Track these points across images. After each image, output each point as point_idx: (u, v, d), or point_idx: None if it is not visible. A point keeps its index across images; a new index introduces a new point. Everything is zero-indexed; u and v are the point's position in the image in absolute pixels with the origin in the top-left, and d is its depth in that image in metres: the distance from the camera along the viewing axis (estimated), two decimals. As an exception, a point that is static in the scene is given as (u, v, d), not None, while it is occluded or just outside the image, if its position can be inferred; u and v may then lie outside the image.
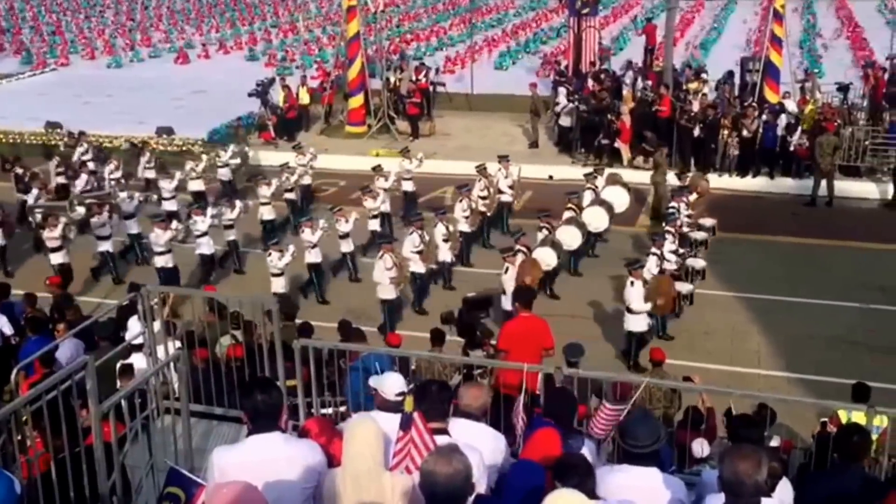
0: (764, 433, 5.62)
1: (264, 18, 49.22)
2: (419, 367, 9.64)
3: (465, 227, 16.93)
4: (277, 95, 25.85)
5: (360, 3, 25.68)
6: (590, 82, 24.68)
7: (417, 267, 15.31)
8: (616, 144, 22.36)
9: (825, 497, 4.67)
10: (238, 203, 17.46)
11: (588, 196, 17.28)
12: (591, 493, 4.20)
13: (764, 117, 21.39)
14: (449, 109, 27.26)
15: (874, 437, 7.83)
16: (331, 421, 5.90)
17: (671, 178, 19.05)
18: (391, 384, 5.62)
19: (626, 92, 24.34)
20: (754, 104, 22.03)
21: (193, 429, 6.95)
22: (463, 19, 42.99)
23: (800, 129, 21.04)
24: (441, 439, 4.49)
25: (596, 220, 16.63)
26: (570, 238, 15.86)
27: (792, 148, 21.04)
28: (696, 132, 21.66)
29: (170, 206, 18.87)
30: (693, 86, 23.99)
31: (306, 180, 20.15)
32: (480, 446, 5.00)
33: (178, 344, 8.36)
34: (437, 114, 26.67)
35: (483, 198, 17.70)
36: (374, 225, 17.58)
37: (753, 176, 21.40)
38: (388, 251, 14.47)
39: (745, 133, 21.28)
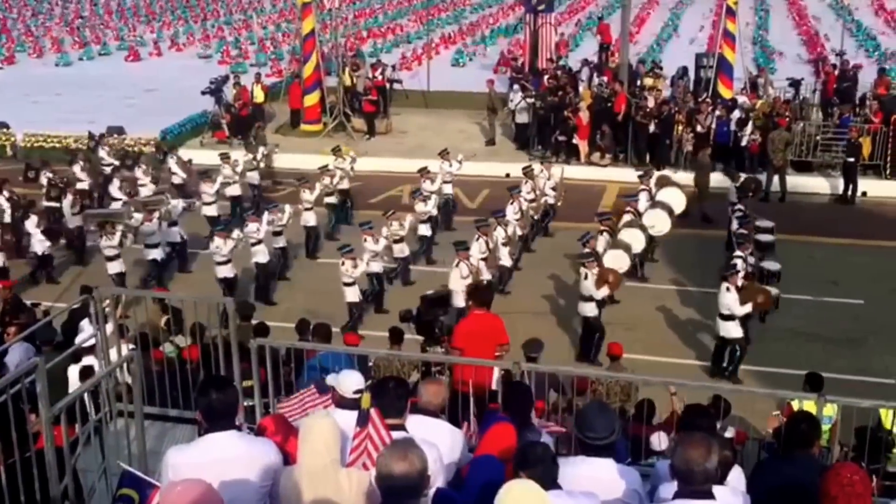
0: (715, 422, 5.67)
1: (218, 16, 48.71)
2: (378, 365, 9.60)
3: (517, 230, 16.53)
4: (231, 93, 25.61)
5: (315, 0, 25.52)
6: (546, 79, 24.79)
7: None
8: (574, 141, 22.49)
9: (776, 485, 4.74)
10: (288, 208, 16.70)
11: (644, 197, 16.90)
12: (554, 482, 4.24)
13: (717, 113, 21.66)
14: (405, 107, 27.20)
15: (827, 427, 8.00)
16: (287, 419, 5.85)
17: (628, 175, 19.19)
18: (349, 382, 5.64)
19: (582, 89, 24.50)
20: (708, 100, 22.30)
21: (148, 431, 6.86)
22: (419, 16, 42.97)
23: (751, 124, 21.34)
24: (398, 435, 4.47)
25: (658, 223, 16.21)
26: (634, 241, 15.47)
27: (745, 143, 21.33)
28: (652, 128, 21.87)
29: (210, 211, 18.16)
30: (648, 82, 24.21)
31: (345, 184, 19.23)
32: (438, 442, 5.01)
33: (131, 346, 8.24)
34: (394, 111, 26.59)
35: (530, 200, 17.33)
36: (425, 230, 17.08)
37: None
38: (465, 258, 13.92)
39: (699, 128, 21.52)
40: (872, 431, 7.63)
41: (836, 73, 25.22)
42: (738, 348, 12.92)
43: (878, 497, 5.86)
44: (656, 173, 18.52)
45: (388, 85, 26.93)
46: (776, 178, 20.50)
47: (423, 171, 18.28)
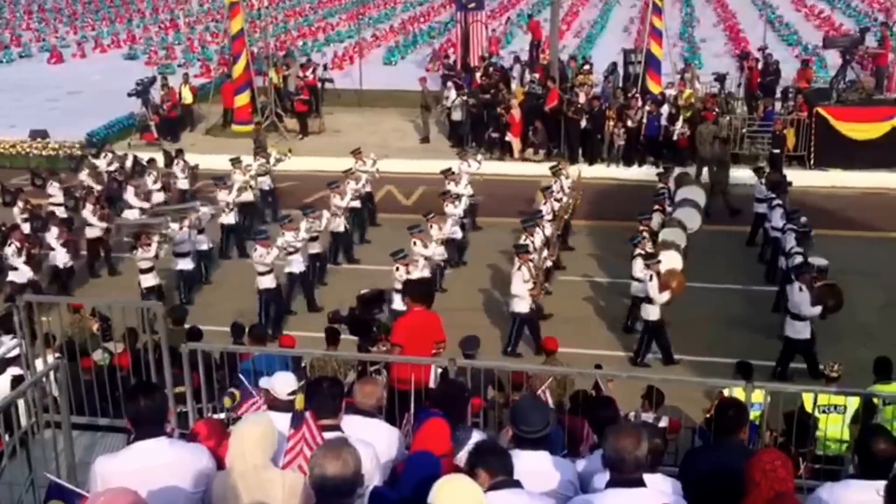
0: (617, 412, 5.79)
1: (143, 15, 47.77)
2: (313, 366, 9.52)
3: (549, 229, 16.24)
4: (158, 95, 25.15)
5: (243, -1, 25.25)
6: (478, 76, 24.91)
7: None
8: (507, 137, 22.63)
9: (706, 471, 4.84)
10: (325, 213, 16.16)
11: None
12: (510, 474, 4.29)
13: (647, 108, 22.02)
14: (338, 106, 27.06)
15: (757, 413, 8.18)
16: (221, 423, 5.77)
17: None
18: (282, 383, 5.61)
19: (514, 86, 24.66)
20: (637, 95, 22.65)
21: (77, 442, 6.71)
22: (350, 15, 42.76)
23: (681, 118, 21.73)
24: (333, 436, 4.44)
25: (690, 220, 16.12)
26: (679, 239, 15.27)
27: (674, 137, 21.72)
28: (583, 124, 22.13)
29: (228, 219, 17.34)
30: (579, 78, 24.48)
31: (368, 187, 18.61)
32: (374, 441, 5.01)
33: (56, 355, 8.02)
34: (327, 111, 26.42)
35: (558, 200, 17.13)
36: (457, 232, 16.72)
37: (639, 165, 21.97)
38: (526, 261, 13.45)
39: (629, 123, 21.86)
40: (799, 416, 7.82)
41: (760, 67, 25.83)
42: (802, 349, 12.51)
43: (806, 480, 6.04)
44: (676, 170, 18.65)
45: (319, 84, 26.76)
46: (705, 170, 20.89)
47: (447, 173, 17.89)
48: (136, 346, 8.91)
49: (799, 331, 12.43)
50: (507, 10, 46.12)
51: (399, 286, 13.42)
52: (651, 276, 12.88)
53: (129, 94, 24.48)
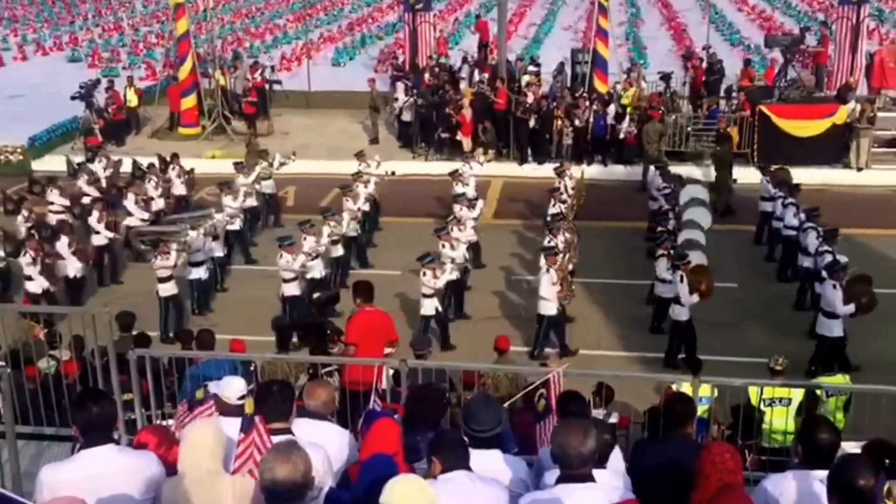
0: (588, 407, 5.86)
1: (86, 18, 46.90)
2: (264, 369, 9.46)
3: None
4: (103, 98, 24.72)
5: (188, 0, 24.91)
6: (427, 77, 24.93)
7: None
8: (457, 137, 22.67)
9: (655, 465, 4.91)
10: (346, 215, 16.00)
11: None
12: (467, 467, 4.34)
13: (594, 107, 22.24)
14: (286, 108, 26.86)
15: (705, 407, 8.34)
16: (168, 430, 5.70)
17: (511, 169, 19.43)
18: (232, 388, 5.58)
19: (463, 86, 24.73)
20: (585, 94, 22.86)
21: (23, 452, 6.58)
22: (297, 16, 42.49)
23: (627, 117, 22.00)
24: (283, 439, 4.43)
25: (703, 219, 16.36)
26: (699, 237, 15.50)
27: (621, 136, 21.98)
28: (532, 123, 22.28)
29: (234, 225, 16.92)
30: (526, 78, 24.62)
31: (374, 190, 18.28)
32: (326, 443, 4.99)
33: (0, 363, 7.85)
34: (275, 112, 26.22)
35: (563, 201, 16.95)
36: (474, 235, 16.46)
37: (588, 164, 22.18)
38: (554, 263, 13.25)
39: (577, 123, 22.06)
40: (747, 410, 7.98)
41: (704, 66, 26.24)
42: (832, 347, 12.37)
43: (753, 471, 6.16)
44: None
45: (267, 86, 26.54)
46: (652, 168, 21.16)
47: (455, 174, 17.82)
48: (83, 354, 8.76)
49: (832, 329, 12.38)
50: (456, 10, 46.24)
51: (427, 291, 13.44)
52: (682, 278, 12.79)
53: (73, 98, 24.00)
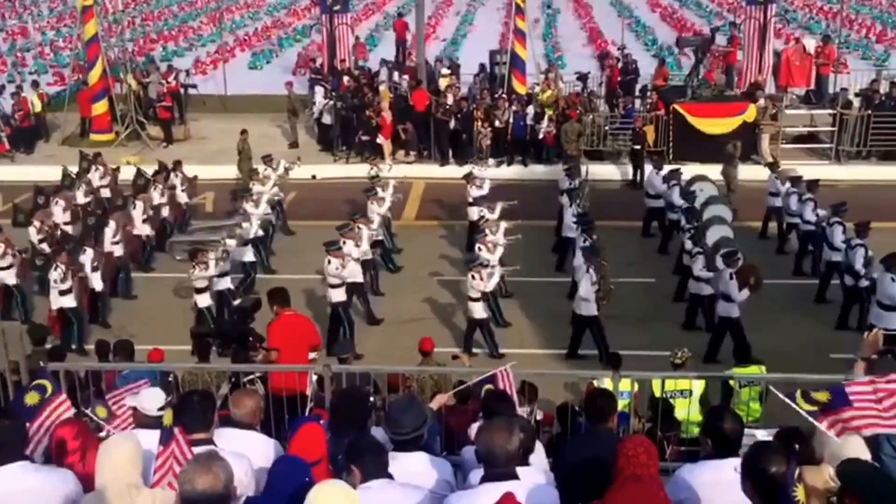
0: (513, 405, 5.90)
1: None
2: (184, 379, 9.28)
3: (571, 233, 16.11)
4: (8, 104, 23.93)
5: (96, 2, 24.27)
6: (346, 79, 24.81)
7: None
8: (378, 140, 22.61)
9: (578, 460, 4.98)
10: (375, 217, 15.87)
11: (676, 192, 17.09)
12: (387, 475, 4.33)
13: (514, 108, 22.45)
14: (203, 112, 26.41)
15: (626, 401, 8.50)
16: (87, 424, 5.57)
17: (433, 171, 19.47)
18: (151, 400, 5.49)
19: (382, 88, 24.68)
20: (504, 95, 23.06)
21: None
22: (212, 18, 41.82)
23: (546, 117, 22.27)
24: (203, 449, 4.35)
25: (726, 214, 16.48)
26: (729, 233, 15.60)
27: (541, 136, 22.24)
28: (452, 124, 22.38)
29: (257, 232, 16.46)
30: (445, 80, 24.72)
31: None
32: (250, 453, 4.94)
33: None
34: (191, 117, 25.77)
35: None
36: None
37: (508, 165, 22.37)
38: (595, 264, 13.24)
39: (497, 124, 22.23)
40: (665, 402, 8.15)
41: (620, 66, 26.75)
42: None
43: (673, 462, 6.28)
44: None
45: (182, 90, 26.05)
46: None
47: (469, 177, 17.65)
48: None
49: (891, 321, 12.33)
50: (373, 12, 46.14)
51: (475, 295, 13.36)
52: (731, 275, 12.86)
53: (-24, 105, 23.20)
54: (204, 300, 13.92)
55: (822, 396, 5.23)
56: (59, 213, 16.75)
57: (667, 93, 23.37)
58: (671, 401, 9.03)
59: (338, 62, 25.90)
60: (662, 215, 17.90)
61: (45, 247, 15.29)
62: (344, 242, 14.15)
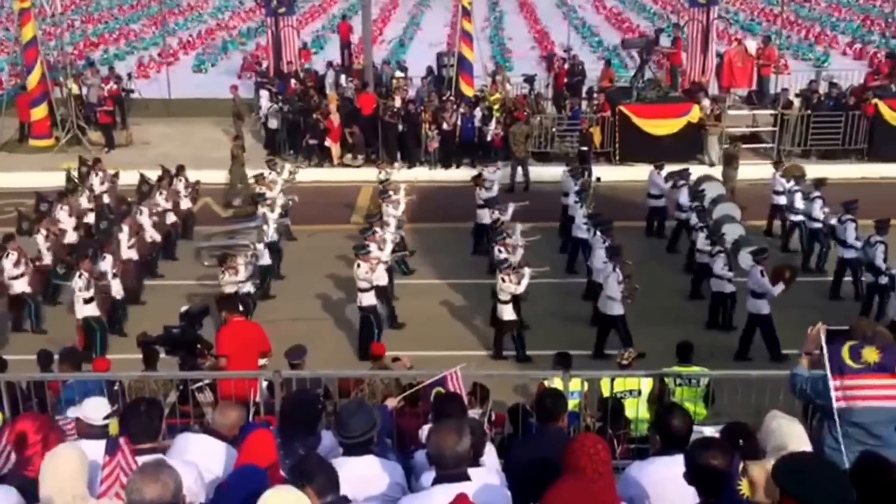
0: (464, 407, 5.93)
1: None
2: (131, 388, 9.13)
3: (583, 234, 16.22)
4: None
5: (34, 4, 23.77)
6: (293, 82, 24.66)
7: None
8: (326, 143, 22.50)
9: (529, 459, 5.01)
10: (392, 221, 15.71)
11: (684, 193, 17.31)
12: (337, 486, 4.27)
13: (462, 110, 22.51)
14: (146, 116, 25.93)
15: (576, 401, 8.57)
16: (51, 419, 5.47)
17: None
18: (96, 409, 5.41)
19: (329, 91, 24.58)
20: (452, 98, 23.11)
21: None
22: (154, 20, 41.22)
23: (494, 119, 22.37)
24: (150, 458, 4.29)
25: (735, 213, 16.68)
26: (743, 231, 15.92)
27: (489, 138, 22.33)
28: (400, 127, 22.36)
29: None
30: (399, 83, 24.69)
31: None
32: (200, 459, 4.89)
33: None
34: (133, 121, 25.34)
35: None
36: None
37: (456, 167, 22.42)
38: (620, 262, 13.24)
39: (445, 126, 22.27)
40: (614, 400, 8.24)
41: (566, 68, 26.98)
42: None
43: (622, 460, 6.36)
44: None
45: (124, 94, 25.63)
46: (520, 170, 21.61)
47: (478, 179, 17.76)
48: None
49: None
50: (319, 14, 45.91)
51: (505, 297, 13.27)
52: (762, 272, 13.04)
53: None
54: None
55: (872, 356, 5.31)
56: (65, 219, 16.45)
57: (613, 94, 23.63)
58: (621, 401, 9.14)
59: (284, 65, 25.71)
60: (664, 215, 18.24)
61: (49, 254, 15.16)
62: (367, 247, 14.02)
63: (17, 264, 14.22)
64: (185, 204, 18.47)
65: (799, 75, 25.85)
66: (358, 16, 30.93)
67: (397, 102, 22.66)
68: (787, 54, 30.88)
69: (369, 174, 21.92)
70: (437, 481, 4.32)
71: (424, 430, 8.51)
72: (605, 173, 20.60)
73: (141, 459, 4.33)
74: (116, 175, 19.31)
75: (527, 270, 13.51)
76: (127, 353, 11.89)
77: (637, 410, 8.85)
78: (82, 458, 4.29)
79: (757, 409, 6.28)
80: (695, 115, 22.20)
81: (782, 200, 17.85)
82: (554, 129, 23.10)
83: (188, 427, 6.67)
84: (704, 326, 14.21)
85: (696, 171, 19.47)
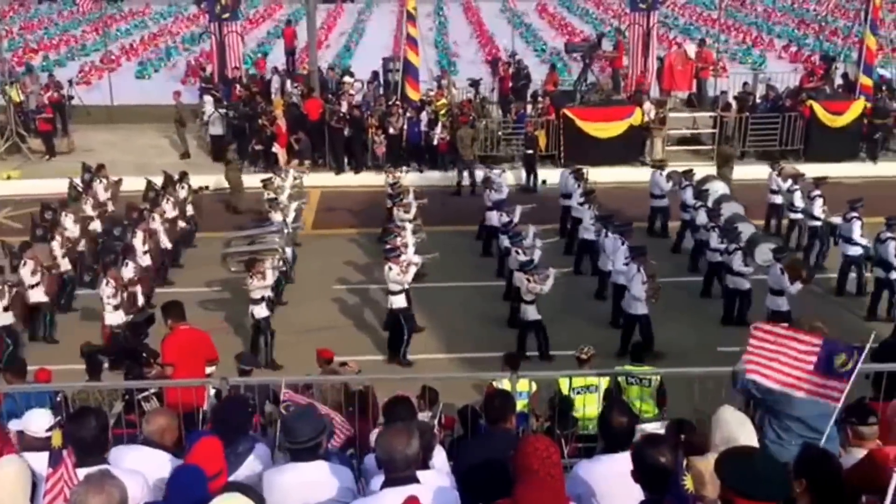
0: (414, 410, 5.96)
1: None
2: (74, 399, 8.96)
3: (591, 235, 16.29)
4: None
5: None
6: (237, 88, 24.44)
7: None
8: (272, 149, 22.33)
9: (476, 461, 5.04)
10: (408, 225, 15.53)
11: (689, 192, 17.43)
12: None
13: (408, 114, 22.54)
14: (87, 123, 25.47)
15: (524, 402, 8.66)
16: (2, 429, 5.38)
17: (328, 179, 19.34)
18: (38, 421, 5.31)
19: (275, 97, 24.42)
20: (398, 102, 23.12)
21: None
22: (95, 26, 40.55)
23: (440, 123, 22.43)
24: (94, 469, 4.24)
25: (740, 210, 16.86)
26: (751, 227, 16.09)
27: (435, 142, 22.39)
28: (347, 132, 22.30)
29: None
30: (350, 88, 24.59)
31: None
32: (146, 469, 4.85)
33: None
34: (74, 128, 24.89)
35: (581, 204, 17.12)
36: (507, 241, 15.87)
37: (406, 171, 22.41)
38: (643, 263, 13.38)
39: (391, 131, 22.27)
40: (561, 400, 8.32)
41: (511, 72, 27.16)
42: None
43: (570, 459, 6.44)
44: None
45: (65, 101, 25.16)
46: (466, 173, 21.70)
47: (487, 182, 18.08)
48: None
49: None
50: (264, 20, 45.59)
51: (529, 298, 13.32)
52: (781, 270, 13.24)
53: None
54: (261, 311, 13.61)
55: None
56: (71, 227, 16.13)
57: (557, 98, 23.87)
58: (579, 396, 9.25)
59: (230, 70, 25.47)
60: (667, 215, 18.49)
61: (66, 261, 15.01)
62: (399, 252, 14.03)
63: (34, 273, 14.05)
64: (189, 210, 18.35)
65: (737, 78, 26.36)
66: (303, 21, 30.70)
67: (344, 107, 22.60)
68: (725, 58, 31.48)
69: (317, 179, 21.90)
70: (386, 485, 4.34)
71: (374, 435, 8.56)
72: (552, 176, 20.79)
73: (84, 471, 4.27)
74: (119, 182, 19.03)
75: (552, 271, 13.64)
76: (71, 364, 11.67)
77: (594, 406, 8.96)
78: (24, 470, 4.24)
79: (704, 404, 6.39)
80: (637, 117, 22.52)
81: (778, 200, 18.28)
82: (500, 133, 23.27)
83: (135, 437, 6.58)
84: (720, 323, 14.52)
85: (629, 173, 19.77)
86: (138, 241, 15.23)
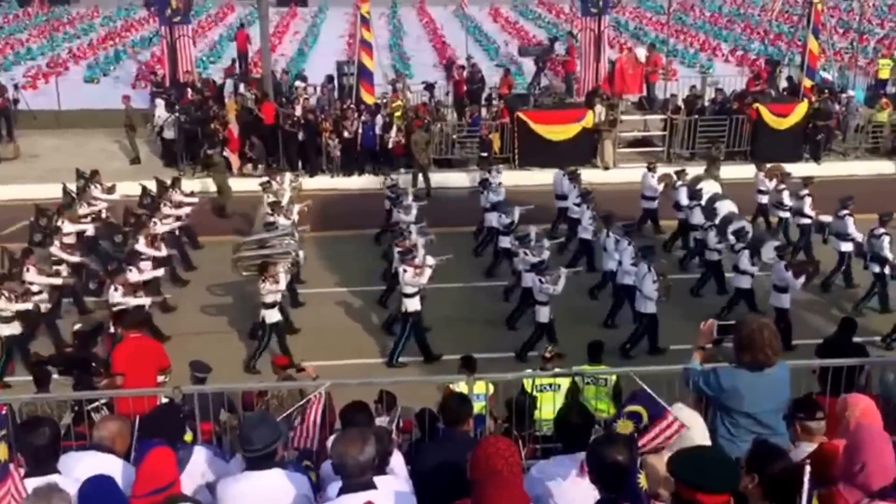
0: (371, 416, 5.93)
1: None
2: (21, 411, 8.78)
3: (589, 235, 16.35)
4: None
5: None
6: (189, 92, 24.17)
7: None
8: (224, 153, 22.10)
9: (436, 464, 5.03)
10: (413, 227, 15.26)
11: (683, 193, 17.51)
12: None
13: (363, 118, 22.48)
14: (34, 129, 25.01)
15: (482, 403, 8.66)
16: None
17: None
18: (-17, 435, 5.16)
19: (228, 100, 24.19)
20: (353, 106, 23.05)
21: None
22: (42, 30, 39.80)
23: (395, 127, 22.41)
24: (43, 482, 4.15)
25: (735, 209, 16.77)
26: (750, 227, 16.01)
27: (390, 146, 22.35)
28: (301, 136, 22.17)
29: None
30: (303, 93, 24.46)
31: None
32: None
33: None
34: (20, 134, 24.40)
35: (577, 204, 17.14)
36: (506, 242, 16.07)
37: (358, 175, 22.38)
38: (653, 261, 13.54)
39: (346, 134, 22.19)
40: (519, 401, 8.34)
41: (466, 75, 27.23)
42: None
43: (528, 460, 6.45)
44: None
45: (10, 105, 24.65)
46: (421, 176, 21.70)
47: (484, 184, 18.07)
48: None
49: None
50: (215, 24, 45.13)
51: (543, 298, 13.32)
52: (786, 266, 13.41)
53: None
54: (273, 316, 13.42)
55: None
56: (70, 230, 15.89)
57: (511, 101, 23.99)
58: (540, 394, 9.30)
59: (182, 74, 25.17)
60: (656, 216, 18.66)
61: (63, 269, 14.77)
62: (413, 254, 13.83)
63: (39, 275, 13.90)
64: (183, 211, 17.96)
65: (686, 81, 26.72)
66: (256, 25, 30.46)
67: (297, 111, 22.47)
68: (674, 61, 31.88)
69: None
70: (342, 491, 4.32)
71: (330, 441, 8.51)
72: (506, 178, 20.83)
73: (32, 483, 4.18)
74: (113, 188, 18.59)
75: (563, 271, 13.64)
76: (17, 376, 11.46)
77: (553, 405, 9.00)
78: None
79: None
80: (589, 120, 22.73)
81: (765, 200, 18.57)
82: (454, 136, 23.32)
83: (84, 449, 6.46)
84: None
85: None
86: (141, 247, 15.02)
